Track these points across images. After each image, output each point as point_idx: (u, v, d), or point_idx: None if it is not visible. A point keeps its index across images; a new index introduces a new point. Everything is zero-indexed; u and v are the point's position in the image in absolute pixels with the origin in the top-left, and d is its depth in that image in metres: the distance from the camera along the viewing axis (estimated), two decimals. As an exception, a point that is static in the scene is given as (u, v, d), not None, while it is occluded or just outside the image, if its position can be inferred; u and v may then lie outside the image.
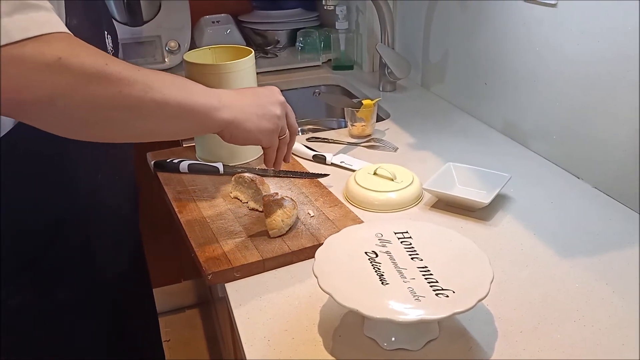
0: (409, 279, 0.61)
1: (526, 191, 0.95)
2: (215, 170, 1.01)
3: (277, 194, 0.85)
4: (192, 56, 1.02)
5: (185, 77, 1.02)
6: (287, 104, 0.77)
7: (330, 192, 0.94)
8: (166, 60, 1.71)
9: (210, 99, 0.66)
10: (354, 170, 1.05)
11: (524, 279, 0.73)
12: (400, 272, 0.62)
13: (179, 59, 1.68)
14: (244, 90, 0.75)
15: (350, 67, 1.68)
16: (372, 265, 0.63)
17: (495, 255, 0.78)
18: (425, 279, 0.61)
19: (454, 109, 1.33)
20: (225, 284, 0.75)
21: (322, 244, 0.67)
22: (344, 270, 0.62)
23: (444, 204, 0.92)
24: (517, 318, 0.66)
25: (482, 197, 0.89)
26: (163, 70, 1.70)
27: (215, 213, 0.89)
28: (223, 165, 1.02)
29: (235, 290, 0.74)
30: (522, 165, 1.04)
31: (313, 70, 1.72)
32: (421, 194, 0.94)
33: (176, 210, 0.90)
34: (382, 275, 0.61)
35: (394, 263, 0.63)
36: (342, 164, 1.07)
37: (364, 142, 1.17)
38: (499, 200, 0.91)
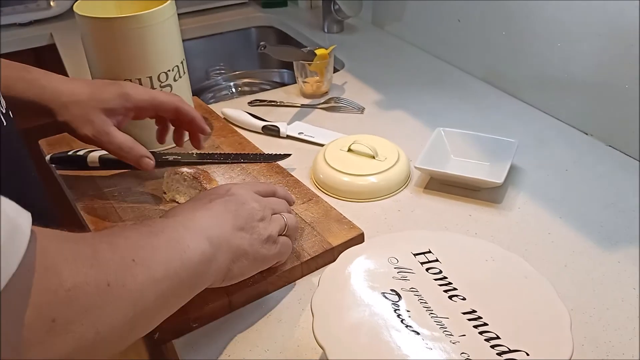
0: (457, 337, 0.42)
1: (533, 157, 0.78)
2: (138, 161, 0.76)
3: None
4: (87, 7, 0.73)
5: (82, 37, 0.74)
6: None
7: (298, 181, 0.73)
8: (52, 4, 1.36)
9: (199, 243, 0.46)
10: (317, 144, 0.83)
11: (569, 289, 0.57)
12: (441, 326, 0.43)
13: (68, 4, 1.34)
14: (202, 204, 0.52)
15: (284, 4, 1.42)
16: (399, 316, 0.44)
17: (521, 254, 0.61)
18: (480, 333, 0.42)
19: (420, 53, 1.13)
20: (175, 341, 0.54)
21: (310, 267, 0.47)
22: (360, 331, 0.43)
23: (438, 182, 0.74)
24: (579, 353, 0.50)
25: (489, 173, 0.71)
26: (51, 18, 1.36)
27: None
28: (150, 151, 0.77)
29: (192, 349, 0.53)
30: (518, 122, 0.87)
31: (238, 9, 1.44)
32: (410, 173, 0.75)
33: (91, 228, 0.65)
34: (418, 334, 0.42)
35: (428, 309, 0.44)
36: (302, 136, 0.85)
37: (322, 103, 0.95)
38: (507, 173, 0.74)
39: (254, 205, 0.53)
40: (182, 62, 0.78)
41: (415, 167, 0.72)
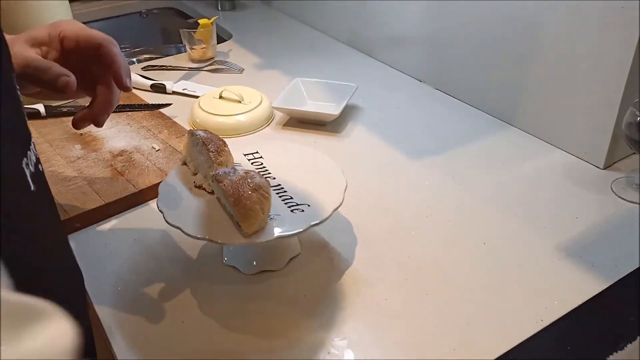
0: (263, 200, 0.58)
1: (374, 99, 0.95)
2: (34, 114, 0.88)
3: (247, 172, 0.56)
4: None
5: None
6: None
7: (176, 123, 0.87)
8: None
9: None
10: (198, 97, 0.97)
11: (379, 185, 0.74)
12: (253, 195, 0.58)
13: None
14: None
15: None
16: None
17: (350, 166, 0.77)
18: (280, 197, 0.58)
19: (300, 25, 1.29)
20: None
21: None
22: (192, 201, 0.58)
23: (295, 121, 0.90)
24: (374, 223, 0.67)
25: (332, 109, 0.88)
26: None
27: (42, 160, 0.77)
28: (44, 105, 0.89)
29: (76, 242, 0.66)
30: (369, 74, 1.04)
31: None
32: (272, 113, 0.91)
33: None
34: (235, 200, 0.57)
35: (246, 186, 0.60)
36: (185, 91, 0.99)
37: (207, 66, 1.09)
38: (350, 112, 0.91)
39: None
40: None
41: (273, 107, 0.88)
